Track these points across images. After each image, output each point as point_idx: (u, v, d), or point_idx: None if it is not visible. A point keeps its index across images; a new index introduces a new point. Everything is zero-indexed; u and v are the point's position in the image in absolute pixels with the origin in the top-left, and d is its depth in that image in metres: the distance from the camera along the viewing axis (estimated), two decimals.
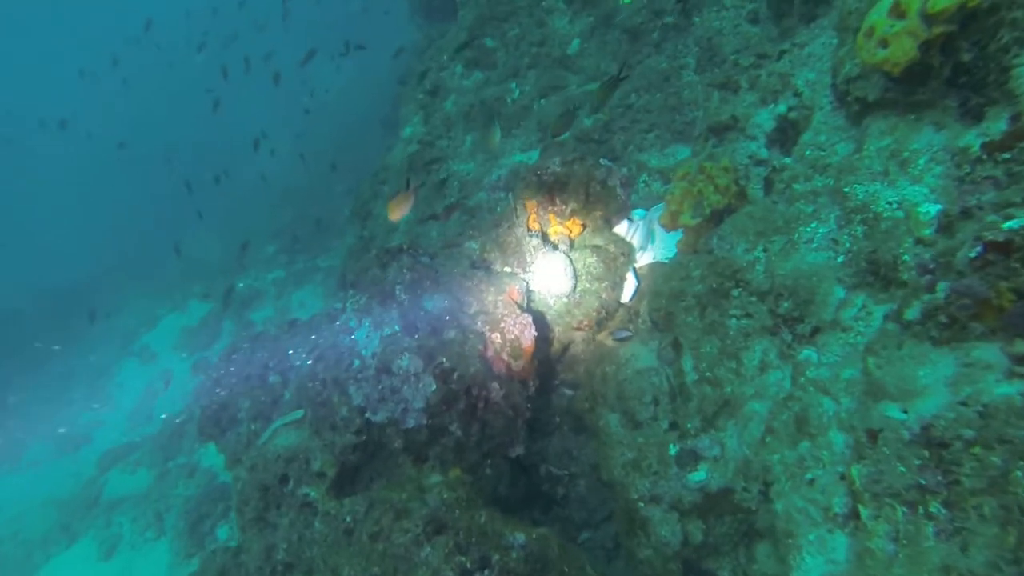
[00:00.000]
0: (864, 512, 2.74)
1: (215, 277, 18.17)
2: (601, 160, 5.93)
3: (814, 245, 4.36)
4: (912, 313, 3.03)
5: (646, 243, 6.98)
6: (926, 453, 2.61)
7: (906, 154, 4.02)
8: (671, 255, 6.84)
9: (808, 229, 4.49)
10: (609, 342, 6.77)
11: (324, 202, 18.90)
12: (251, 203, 22.19)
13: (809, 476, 3.42)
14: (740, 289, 4.74)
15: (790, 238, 4.58)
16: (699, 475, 4.87)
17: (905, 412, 2.90)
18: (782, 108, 5.58)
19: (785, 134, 5.68)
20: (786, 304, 4.15)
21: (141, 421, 13.13)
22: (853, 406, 3.47)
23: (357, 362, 4.76)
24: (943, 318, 2.84)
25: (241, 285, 17.18)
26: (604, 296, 6.32)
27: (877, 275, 3.83)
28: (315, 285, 16.65)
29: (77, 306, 15.80)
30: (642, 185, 7.27)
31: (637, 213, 6.89)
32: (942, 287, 2.86)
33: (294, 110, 18.60)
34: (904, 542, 2.53)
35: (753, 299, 4.65)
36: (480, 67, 9.98)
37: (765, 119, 5.78)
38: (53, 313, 17.18)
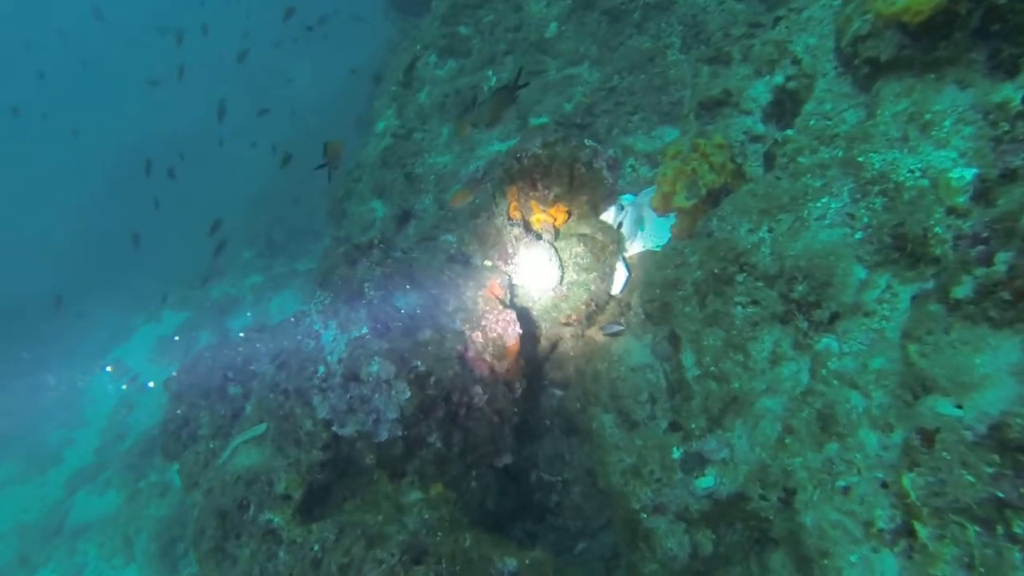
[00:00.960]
0: (923, 531, 2.25)
1: (190, 285, 17.43)
2: (586, 141, 5.41)
3: (827, 222, 3.87)
4: (962, 291, 2.54)
5: (636, 230, 6.47)
6: (997, 458, 2.13)
7: (928, 116, 3.54)
8: (663, 242, 6.34)
9: (818, 205, 4.00)
10: (600, 337, 6.26)
11: (301, 204, 18.23)
12: (225, 207, 21.39)
13: (842, 483, 2.92)
14: (745, 274, 4.24)
15: (798, 215, 4.08)
16: (707, 481, 4.36)
17: (960, 407, 2.40)
18: (779, 79, 5.09)
19: (783, 107, 5.20)
20: (800, 288, 3.65)
21: (114, 438, 12.42)
22: (887, 401, 2.98)
23: (322, 369, 4.20)
24: (1005, 295, 2.36)
25: (217, 293, 16.48)
26: (593, 288, 5.80)
27: (903, 251, 3.35)
28: (294, 290, 16.00)
29: (43, 317, 15.01)
30: (629, 170, 6.77)
31: (625, 198, 6.38)
32: (1003, 258, 2.37)
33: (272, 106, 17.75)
34: (981, 570, 2.04)
35: (760, 284, 4.16)
36: (454, 55, 9.43)
37: (761, 92, 5.30)
38: (17, 324, 16.32)
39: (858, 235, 3.61)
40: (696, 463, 4.48)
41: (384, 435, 4.12)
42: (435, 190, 8.95)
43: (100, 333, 15.91)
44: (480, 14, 9.38)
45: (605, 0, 7.96)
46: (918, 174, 3.42)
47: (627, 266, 6.34)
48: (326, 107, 22.06)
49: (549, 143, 5.27)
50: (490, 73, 8.86)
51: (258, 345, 5.65)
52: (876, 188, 3.62)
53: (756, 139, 5.29)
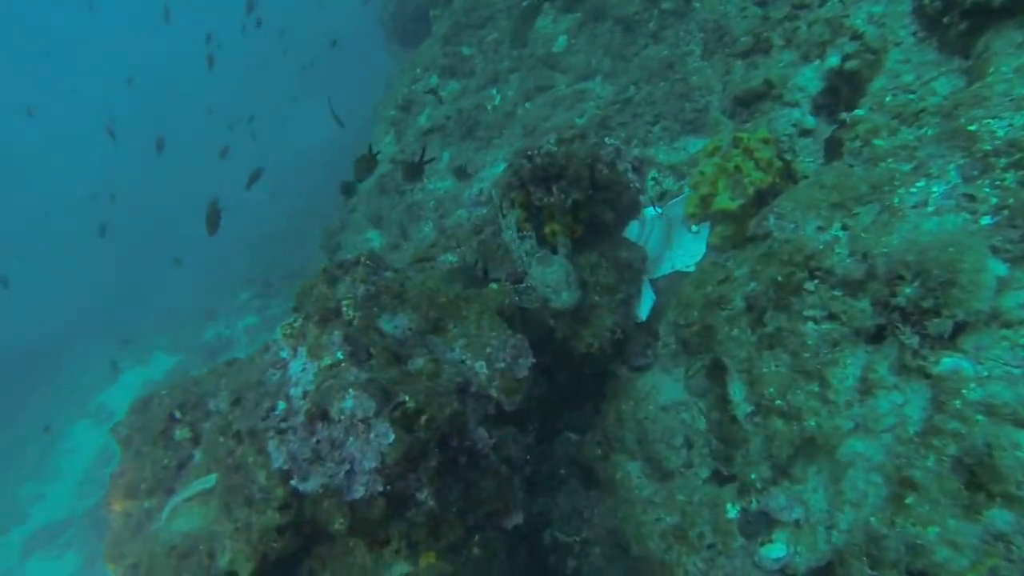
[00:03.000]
0: None
1: (185, 327, 16.52)
2: (606, 139, 4.55)
3: (930, 208, 2.95)
4: None
5: (662, 249, 5.56)
6: None
7: None
8: (693, 263, 5.42)
9: (914, 190, 3.09)
10: (623, 372, 5.28)
11: (303, 247, 17.45)
12: (229, 251, 20.62)
13: None
14: (817, 281, 3.30)
15: (887, 205, 3.17)
16: (777, 549, 3.31)
17: None
18: (833, 60, 4.27)
19: (836, 95, 4.36)
20: (909, 290, 2.69)
21: (92, 491, 11.25)
22: None
23: (282, 405, 3.22)
24: None
25: (210, 335, 15.54)
26: (618, 313, 4.84)
27: None
28: None
29: (22, 364, 13.99)
30: (651, 183, 5.90)
31: (650, 211, 5.50)
32: None
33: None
34: None
35: (837, 293, 3.21)
36: (456, 76, 8.73)
37: (809, 79, 4.47)
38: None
39: (985, 220, 2.68)
40: (760, 524, 3.44)
41: (359, 491, 3.10)
42: (435, 216, 8.12)
43: (83, 378, 14.86)
44: (482, 33, 8.73)
45: (617, 9, 7.27)
46: None
47: (653, 289, 5.40)
48: (324, 148, 21.55)
49: (565, 139, 4.41)
50: (494, 92, 8.14)
51: (223, 379, 4.68)
52: (1003, 161, 2.72)
53: (805, 133, 4.42)
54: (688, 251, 5.45)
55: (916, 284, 2.66)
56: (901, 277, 2.72)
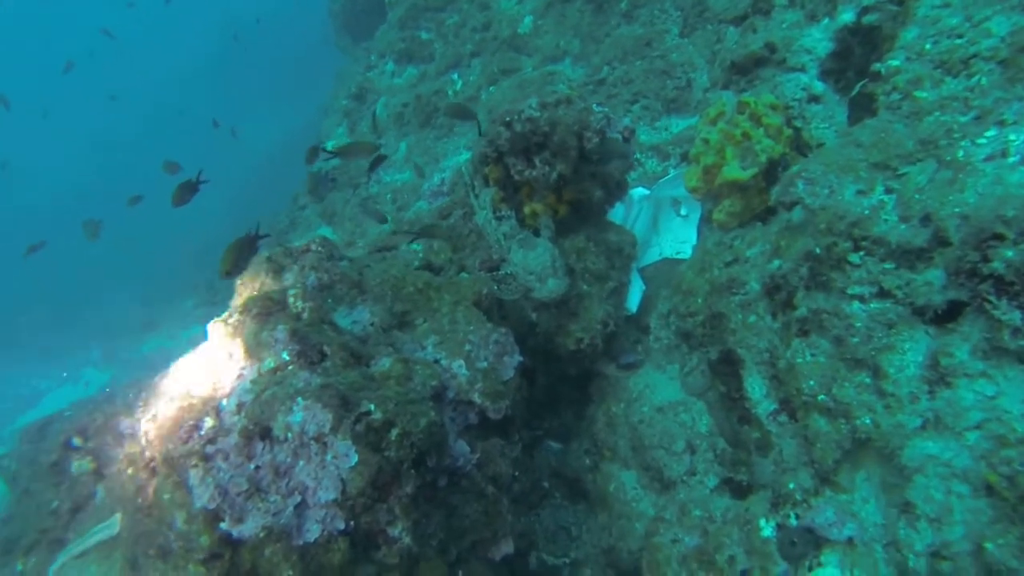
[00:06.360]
0: None
1: (122, 338, 15.02)
2: (594, 106, 3.89)
3: (1014, 158, 2.39)
4: None
5: (649, 234, 4.95)
6: None
7: None
8: (683, 249, 4.83)
9: (983, 141, 2.54)
10: (611, 371, 4.63)
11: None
12: (171, 257, 19.09)
13: None
14: (862, 252, 2.70)
15: (947, 160, 2.60)
16: (829, 574, 2.68)
17: None
18: (847, 16, 3.73)
19: (848, 58, 3.83)
20: (1011, 252, 2.10)
21: None
22: None
23: (208, 421, 2.39)
24: None
25: (150, 347, 14.13)
26: (608, 303, 4.18)
27: None
28: None
29: None
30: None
31: (637, 192, 4.87)
32: None
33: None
34: None
35: (889, 266, 2.63)
36: (414, 61, 7.97)
37: (817, 40, 3.93)
38: None
39: None
40: (806, 544, 2.81)
41: (314, 531, 2.31)
42: (392, 209, 7.31)
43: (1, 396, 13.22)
44: (442, 16, 8.00)
45: None
46: None
47: (642, 279, 4.78)
48: (277, 154, 20.32)
49: (548, 104, 3.73)
50: (455, 76, 7.41)
51: (144, 392, 3.78)
52: None
53: (815, 99, 3.87)
54: (677, 236, 4.86)
55: (1023, 245, 2.07)
56: (998, 236, 2.13)
